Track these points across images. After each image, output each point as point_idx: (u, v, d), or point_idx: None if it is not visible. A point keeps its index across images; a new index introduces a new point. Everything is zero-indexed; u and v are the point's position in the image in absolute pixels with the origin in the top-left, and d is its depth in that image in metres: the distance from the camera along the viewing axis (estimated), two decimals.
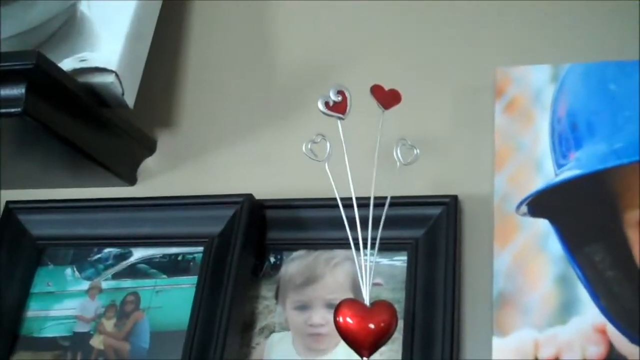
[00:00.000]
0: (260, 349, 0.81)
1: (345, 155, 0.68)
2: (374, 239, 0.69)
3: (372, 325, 0.66)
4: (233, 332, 0.78)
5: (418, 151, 0.72)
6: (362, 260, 0.68)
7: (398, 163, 0.71)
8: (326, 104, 0.69)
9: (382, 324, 0.66)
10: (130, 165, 0.94)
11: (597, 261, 0.69)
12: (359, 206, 0.69)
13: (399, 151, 0.71)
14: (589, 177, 0.73)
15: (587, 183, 0.73)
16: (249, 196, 0.85)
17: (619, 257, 0.69)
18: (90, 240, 0.89)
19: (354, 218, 0.69)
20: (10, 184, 0.94)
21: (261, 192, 0.86)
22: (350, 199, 0.69)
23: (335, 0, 0.98)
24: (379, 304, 0.68)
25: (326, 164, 0.69)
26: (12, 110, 0.77)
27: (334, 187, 0.69)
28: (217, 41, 1.01)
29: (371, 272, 0.68)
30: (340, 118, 0.69)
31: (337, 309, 0.67)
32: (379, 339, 0.66)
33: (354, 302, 0.67)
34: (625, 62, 0.78)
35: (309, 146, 0.69)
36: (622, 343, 0.65)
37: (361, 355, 0.66)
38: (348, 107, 0.69)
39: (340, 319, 0.66)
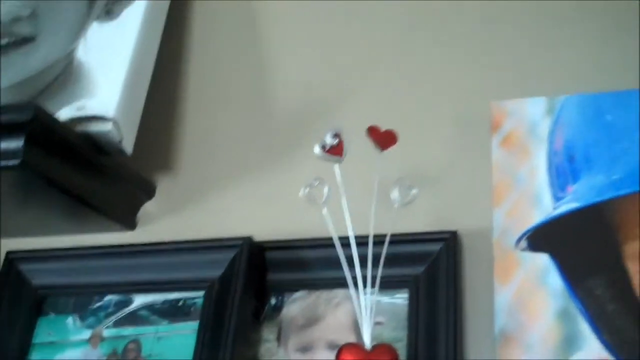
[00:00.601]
0: None
1: (343, 198, 0.68)
2: (374, 277, 0.69)
3: None
4: None
5: (416, 191, 0.72)
6: (362, 300, 0.68)
7: (396, 204, 0.71)
8: (323, 147, 0.69)
9: None
10: (129, 210, 0.95)
11: (598, 295, 0.69)
12: (358, 245, 0.69)
13: (397, 192, 0.71)
14: (587, 209, 0.73)
15: (585, 216, 0.73)
16: (249, 239, 0.85)
17: (619, 290, 0.68)
18: (91, 288, 0.89)
19: (355, 257, 0.69)
20: (10, 233, 0.94)
21: (261, 234, 0.86)
22: (349, 238, 0.69)
23: (331, 38, 0.98)
24: (380, 347, 0.67)
25: (324, 208, 0.69)
26: (11, 162, 0.78)
27: (332, 231, 0.69)
28: (215, 83, 1.02)
29: (372, 312, 0.68)
30: (337, 161, 0.69)
31: (338, 354, 0.67)
32: None
33: (355, 347, 0.67)
34: (621, 92, 0.79)
35: (307, 191, 0.69)
36: None
37: None
38: (345, 150, 0.69)
39: None
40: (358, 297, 0.68)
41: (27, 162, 0.78)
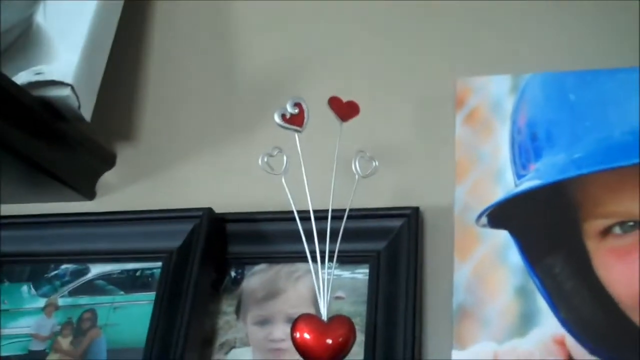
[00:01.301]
0: None
1: (303, 168, 0.67)
2: (332, 252, 0.68)
3: (329, 341, 0.65)
4: (191, 348, 0.77)
5: (377, 163, 0.71)
6: (322, 274, 0.67)
7: (357, 176, 0.70)
8: (283, 116, 0.68)
9: (340, 339, 0.65)
10: (89, 179, 0.93)
11: (557, 272, 0.69)
12: (318, 219, 0.68)
13: (357, 163, 0.70)
14: (548, 187, 0.73)
15: (546, 193, 0.73)
16: (208, 210, 0.83)
17: (578, 268, 0.68)
18: (47, 256, 0.87)
19: (313, 231, 0.68)
20: None
21: (222, 206, 0.85)
22: (306, 211, 0.68)
23: (295, 13, 0.97)
24: (336, 319, 0.66)
25: (283, 178, 0.68)
26: None
27: (290, 200, 0.68)
28: (178, 53, 1.00)
29: (329, 285, 0.67)
30: (297, 131, 0.68)
31: (293, 325, 0.66)
32: (337, 355, 0.65)
33: (311, 318, 0.66)
34: (585, 72, 0.78)
35: (265, 159, 0.68)
36: (581, 354, 0.65)
37: None
38: (305, 120, 0.68)
39: (297, 335, 0.65)
40: (316, 271, 0.67)
41: None
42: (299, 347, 0.65)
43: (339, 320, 0.67)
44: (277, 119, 0.68)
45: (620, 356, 0.64)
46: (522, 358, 0.66)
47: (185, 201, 0.87)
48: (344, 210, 0.69)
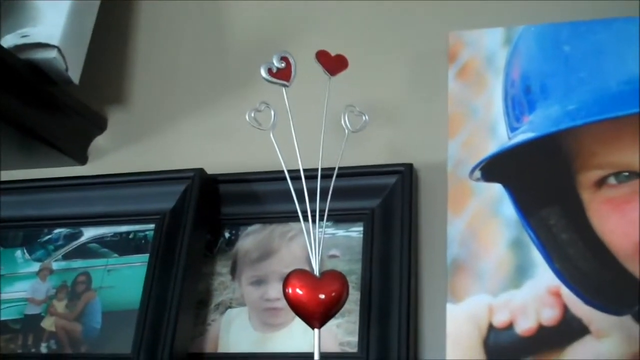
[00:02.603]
0: (216, 325, 0.79)
1: (292, 124, 0.66)
2: (324, 210, 0.67)
3: (322, 296, 0.64)
4: (185, 309, 0.76)
5: (367, 117, 0.70)
6: (315, 233, 0.66)
7: (346, 131, 0.70)
8: (269, 71, 0.67)
9: (332, 294, 0.65)
10: (80, 144, 0.92)
11: (552, 224, 0.68)
12: (309, 178, 0.67)
13: (347, 118, 0.69)
14: (542, 139, 0.72)
15: (540, 146, 0.72)
16: (200, 171, 0.83)
17: (573, 219, 0.67)
18: (40, 221, 0.87)
19: (304, 190, 0.67)
20: None
21: (214, 167, 0.84)
22: (296, 170, 0.67)
23: None
24: (328, 274, 0.66)
25: (271, 133, 0.67)
26: None
27: (280, 157, 0.67)
28: (167, 15, 0.99)
29: (321, 243, 0.66)
30: (284, 85, 0.67)
31: (286, 280, 0.65)
32: (330, 310, 0.65)
33: (303, 273, 0.66)
34: (579, 23, 0.77)
35: (252, 115, 0.67)
36: (576, 305, 0.64)
37: (312, 327, 0.65)
38: (293, 74, 0.67)
39: (290, 290, 0.65)
40: (307, 229, 0.66)
41: None
42: (292, 302, 0.65)
43: (332, 276, 0.66)
44: (263, 73, 0.67)
45: (616, 306, 0.63)
46: (517, 309, 0.65)
47: (178, 163, 0.86)
48: (334, 168, 0.69)
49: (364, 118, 0.70)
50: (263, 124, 0.66)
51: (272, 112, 0.67)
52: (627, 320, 0.63)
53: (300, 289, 0.65)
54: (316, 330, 0.65)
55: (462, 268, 0.69)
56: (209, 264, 0.82)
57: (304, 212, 0.67)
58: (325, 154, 0.67)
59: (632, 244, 0.65)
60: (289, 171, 0.81)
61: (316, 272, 0.66)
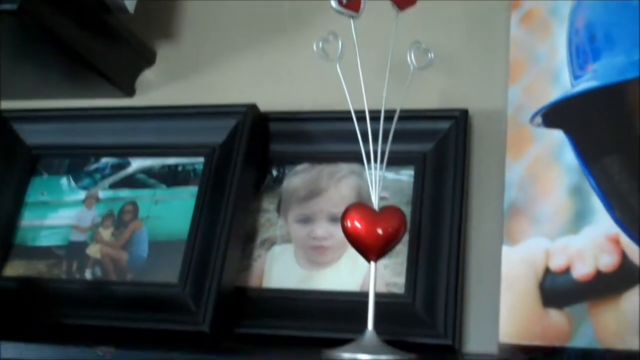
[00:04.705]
0: (262, 261, 0.79)
1: (357, 55, 0.65)
2: (382, 152, 0.67)
3: (380, 230, 0.64)
4: (234, 244, 0.76)
5: (432, 55, 0.69)
6: (371, 174, 0.66)
7: (412, 67, 0.69)
8: (339, 1, 0.66)
9: (390, 229, 0.64)
10: (129, 76, 0.91)
11: (612, 172, 0.67)
12: (367, 119, 0.66)
13: (412, 55, 0.69)
14: (606, 89, 0.71)
15: (604, 95, 0.71)
16: (253, 106, 0.82)
17: (634, 168, 0.67)
18: (86, 149, 0.86)
19: (363, 130, 0.66)
20: (7, 94, 0.90)
21: (265, 104, 0.83)
22: (359, 111, 0.66)
23: None
24: (387, 209, 0.66)
25: (337, 64, 0.66)
26: (7, 6, 0.74)
27: (345, 89, 0.66)
28: None
29: (381, 180, 0.66)
30: (353, 16, 0.66)
31: (345, 213, 0.65)
32: (387, 244, 0.64)
33: (363, 206, 0.65)
34: None
35: (321, 45, 0.66)
36: (635, 253, 0.64)
37: (368, 260, 0.65)
38: (362, 5, 0.66)
39: (349, 223, 0.64)
40: (368, 168, 0.66)
41: (24, 7, 0.74)
42: (350, 235, 0.65)
43: (390, 211, 0.66)
44: (333, 3, 0.66)
45: None
46: (575, 254, 0.65)
47: (227, 100, 0.85)
48: (394, 111, 0.68)
49: (429, 55, 0.69)
50: (330, 54, 0.65)
51: (340, 43, 0.66)
52: None
53: (359, 222, 0.64)
54: (372, 263, 0.65)
55: (519, 212, 0.68)
56: (255, 201, 0.82)
57: (359, 155, 0.66)
58: (380, 94, 0.66)
59: None
60: (343, 112, 0.81)
61: (375, 205, 0.65)
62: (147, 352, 0.58)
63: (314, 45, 0.65)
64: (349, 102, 0.66)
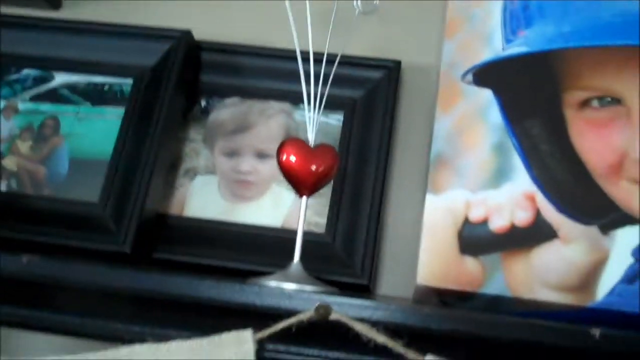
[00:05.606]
0: (184, 190, 0.79)
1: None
2: (321, 94, 0.68)
3: (313, 167, 0.65)
4: (159, 169, 0.75)
5: (377, 2, 0.70)
6: (306, 115, 0.67)
7: (357, 10, 0.70)
8: None
9: (323, 166, 0.66)
10: None
11: (534, 134, 0.71)
12: (306, 60, 0.67)
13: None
14: (534, 55, 0.74)
15: (532, 61, 0.74)
16: (187, 32, 0.80)
17: (555, 133, 0.71)
18: (7, 58, 0.82)
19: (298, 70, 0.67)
20: None
21: (200, 33, 0.82)
22: (302, 52, 0.67)
23: None
24: (322, 147, 0.67)
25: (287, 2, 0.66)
26: None
27: (293, 27, 0.66)
28: None
29: (317, 122, 0.67)
30: None
31: (280, 147, 0.66)
32: (320, 181, 0.66)
33: (299, 142, 0.66)
34: None
35: None
36: (549, 211, 0.68)
37: (300, 195, 0.66)
38: None
39: (284, 157, 0.65)
40: (305, 108, 0.67)
41: None
42: (284, 169, 0.66)
43: (325, 149, 0.67)
44: None
45: (585, 216, 0.67)
46: (493, 208, 0.68)
47: (160, 24, 0.83)
48: (335, 55, 0.69)
49: (375, 2, 0.70)
50: None
51: None
52: (593, 230, 0.67)
53: (294, 156, 0.65)
54: (304, 197, 0.66)
55: (445, 163, 0.71)
56: (182, 129, 0.81)
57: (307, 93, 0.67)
58: (322, 38, 0.67)
59: (606, 164, 0.69)
60: (279, 49, 0.81)
61: (311, 142, 0.67)
62: (73, 265, 0.57)
63: None
64: (296, 41, 0.67)
